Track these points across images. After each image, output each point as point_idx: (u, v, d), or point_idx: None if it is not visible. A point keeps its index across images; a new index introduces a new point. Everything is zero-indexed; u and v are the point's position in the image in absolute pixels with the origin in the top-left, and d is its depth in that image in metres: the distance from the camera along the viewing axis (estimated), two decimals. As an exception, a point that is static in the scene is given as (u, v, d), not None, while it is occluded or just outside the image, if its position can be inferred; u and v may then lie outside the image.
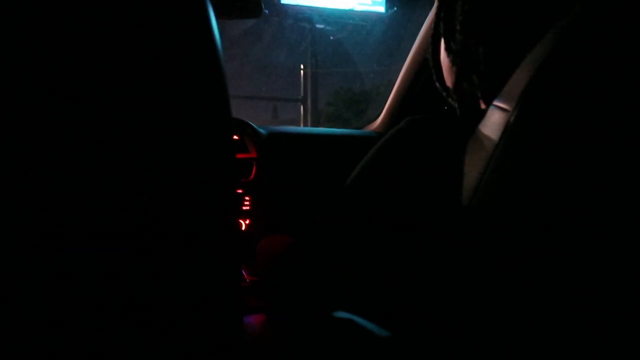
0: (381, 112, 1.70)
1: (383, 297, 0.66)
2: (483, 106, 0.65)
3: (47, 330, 0.37)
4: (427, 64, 0.76)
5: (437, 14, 0.70)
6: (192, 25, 0.39)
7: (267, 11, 0.92)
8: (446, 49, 0.68)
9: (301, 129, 1.61)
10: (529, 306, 0.51)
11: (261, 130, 1.44)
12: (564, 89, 0.47)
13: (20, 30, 0.34)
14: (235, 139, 1.41)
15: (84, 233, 0.37)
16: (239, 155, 1.39)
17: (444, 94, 0.72)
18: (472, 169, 0.55)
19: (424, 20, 1.46)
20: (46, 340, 0.37)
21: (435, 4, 0.72)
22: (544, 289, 0.49)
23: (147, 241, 0.40)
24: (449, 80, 0.70)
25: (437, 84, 0.74)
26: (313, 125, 4.62)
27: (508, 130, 0.50)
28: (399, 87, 1.59)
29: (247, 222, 1.37)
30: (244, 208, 1.36)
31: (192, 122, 0.40)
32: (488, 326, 0.53)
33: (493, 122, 0.53)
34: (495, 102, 0.54)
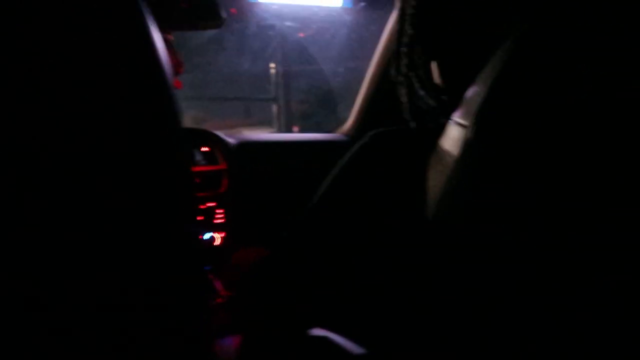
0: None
1: (357, 312, 0.66)
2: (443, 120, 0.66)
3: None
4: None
5: (399, 30, 0.70)
6: (129, 40, 0.40)
7: (226, 16, 0.91)
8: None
9: (270, 136, 1.60)
10: (496, 315, 0.52)
11: (230, 140, 1.43)
12: (519, 104, 0.48)
13: None
14: (206, 151, 1.39)
15: (37, 233, 0.38)
16: (209, 168, 1.38)
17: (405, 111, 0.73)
18: (435, 183, 0.55)
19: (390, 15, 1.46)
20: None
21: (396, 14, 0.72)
22: (508, 299, 0.50)
23: (100, 251, 0.40)
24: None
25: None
26: (287, 125, 4.63)
27: (466, 145, 0.51)
28: (365, 90, 1.60)
29: (223, 235, 1.35)
30: (218, 221, 1.35)
31: (139, 131, 0.42)
32: (459, 337, 0.54)
33: (452, 138, 0.54)
34: (454, 118, 0.54)
